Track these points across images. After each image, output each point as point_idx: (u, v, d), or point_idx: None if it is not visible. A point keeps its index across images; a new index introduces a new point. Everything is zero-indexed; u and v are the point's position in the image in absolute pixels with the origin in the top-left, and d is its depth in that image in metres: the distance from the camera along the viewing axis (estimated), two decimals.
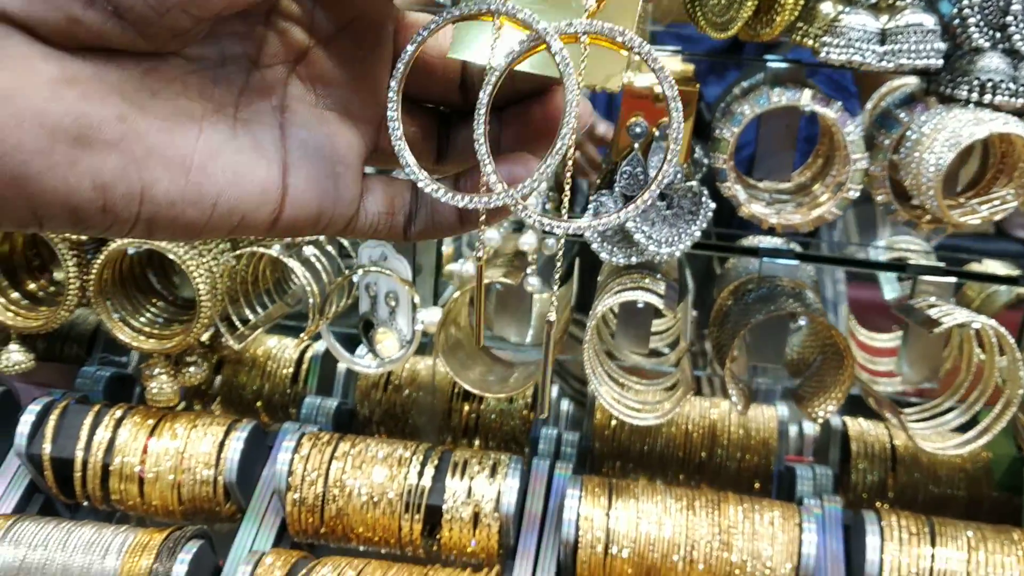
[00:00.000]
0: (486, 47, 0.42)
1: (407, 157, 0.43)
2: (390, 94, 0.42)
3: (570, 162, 0.43)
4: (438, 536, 1.07)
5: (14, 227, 0.35)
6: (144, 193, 0.35)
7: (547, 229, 0.44)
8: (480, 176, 0.42)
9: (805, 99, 0.94)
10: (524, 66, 0.43)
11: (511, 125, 0.46)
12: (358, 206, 0.44)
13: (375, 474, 1.09)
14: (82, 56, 0.34)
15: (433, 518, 1.08)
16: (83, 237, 1.08)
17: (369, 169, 0.47)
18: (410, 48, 0.42)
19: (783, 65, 1.01)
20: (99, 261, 1.07)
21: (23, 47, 0.33)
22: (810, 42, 0.93)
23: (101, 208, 0.35)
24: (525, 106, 0.45)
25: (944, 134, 0.88)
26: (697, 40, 1.66)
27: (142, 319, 1.15)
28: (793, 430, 1.32)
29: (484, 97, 0.42)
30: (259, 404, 1.35)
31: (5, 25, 0.32)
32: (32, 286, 1.22)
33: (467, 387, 1.05)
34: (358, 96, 0.43)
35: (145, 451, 1.12)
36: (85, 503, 1.16)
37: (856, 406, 1.33)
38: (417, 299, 1.08)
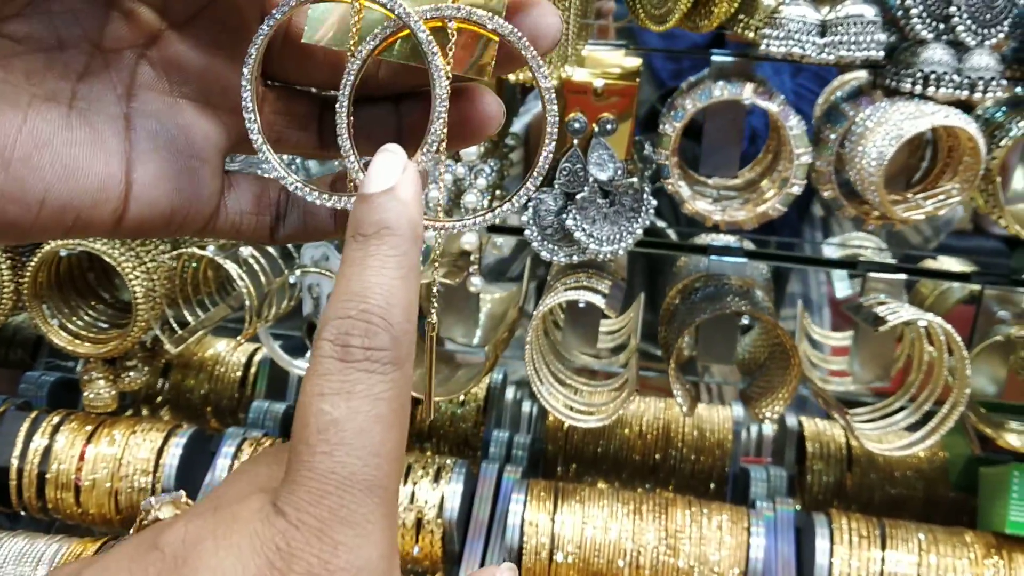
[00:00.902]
0: (344, 31, 0.40)
1: (267, 152, 0.40)
2: (243, 83, 0.39)
3: (442, 156, 0.41)
4: None
5: None
6: None
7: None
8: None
9: (747, 93, 0.92)
10: (388, 53, 0.40)
11: (407, 115, 0.43)
12: (217, 204, 0.41)
13: None
14: None
15: None
16: None
17: (236, 165, 0.44)
18: (263, 29, 0.39)
19: (728, 59, 0.99)
20: (33, 263, 1.04)
21: None
22: (751, 34, 0.91)
23: None
24: (416, 98, 0.43)
25: (885, 127, 0.86)
26: (680, 36, 1.64)
27: (79, 322, 1.12)
28: (753, 430, 1.30)
29: (345, 88, 0.39)
30: (208, 409, 1.32)
31: None
32: None
33: (418, 396, 1.02)
34: (219, 83, 0.40)
35: (82, 458, 1.10)
36: (23, 512, 1.13)
37: (815, 407, 1.32)
38: None
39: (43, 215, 0.35)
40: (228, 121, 0.41)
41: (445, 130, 0.39)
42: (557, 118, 0.41)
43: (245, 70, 0.39)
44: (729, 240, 1.16)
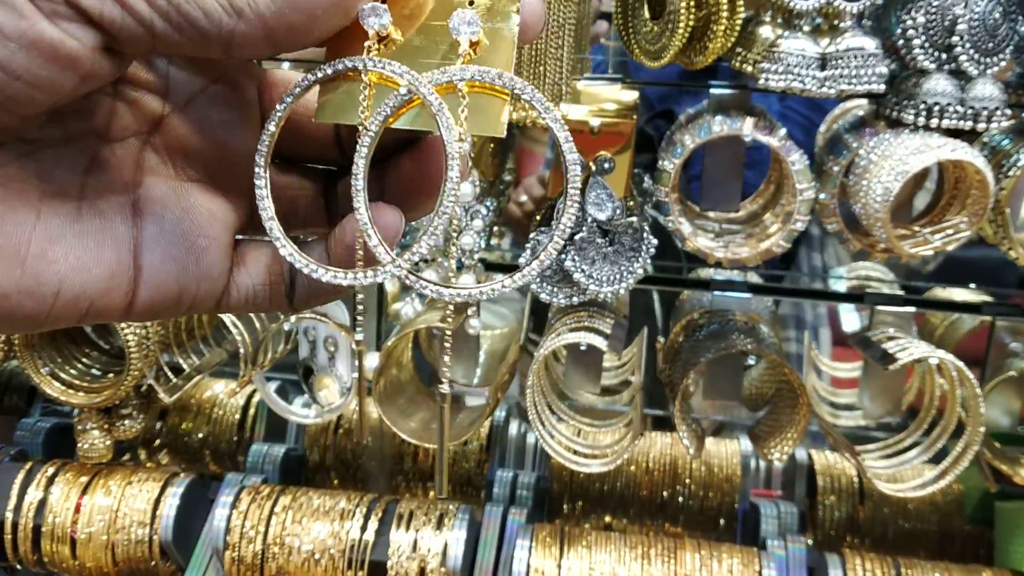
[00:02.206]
0: (354, 107, 0.38)
1: (277, 234, 0.39)
2: (256, 169, 0.39)
3: (454, 221, 0.40)
4: None
5: None
6: None
7: (435, 296, 0.39)
8: (348, 225, 0.39)
9: (747, 128, 0.90)
10: (401, 123, 0.39)
11: (389, 178, 0.42)
12: (227, 281, 0.40)
13: (316, 529, 1.04)
14: None
15: (376, 574, 1.03)
16: None
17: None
18: (279, 110, 0.38)
19: (727, 91, 0.97)
20: None
21: None
22: (749, 68, 0.89)
23: None
24: (397, 160, 0.41)
25: (891, 162, 0.84)
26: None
27: (73, 371, 1.10)
28: (763, 464, 1.27)
29: (359, 161, 0.38)
30: (207, 452, 1.30)
31: None
32: None
33: (405, 437, 1.00)
34: (224, 163, 0.40)
35: (77, 510, 1.07)
36: (19, 567, 1.11)
37: (822, 438, 1.29)
38: (354, 345, 1.04)
39: (57, 306, 0.35)
40: (235, 200, 0.41)
41: (458, 193, 0.38)
42: (578, 173, 0.39)
43: (258, 157, 0.39)
44: (732, 274, 1.13)
